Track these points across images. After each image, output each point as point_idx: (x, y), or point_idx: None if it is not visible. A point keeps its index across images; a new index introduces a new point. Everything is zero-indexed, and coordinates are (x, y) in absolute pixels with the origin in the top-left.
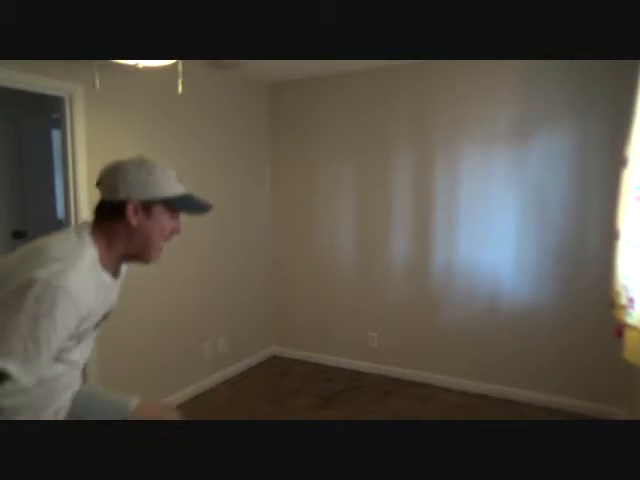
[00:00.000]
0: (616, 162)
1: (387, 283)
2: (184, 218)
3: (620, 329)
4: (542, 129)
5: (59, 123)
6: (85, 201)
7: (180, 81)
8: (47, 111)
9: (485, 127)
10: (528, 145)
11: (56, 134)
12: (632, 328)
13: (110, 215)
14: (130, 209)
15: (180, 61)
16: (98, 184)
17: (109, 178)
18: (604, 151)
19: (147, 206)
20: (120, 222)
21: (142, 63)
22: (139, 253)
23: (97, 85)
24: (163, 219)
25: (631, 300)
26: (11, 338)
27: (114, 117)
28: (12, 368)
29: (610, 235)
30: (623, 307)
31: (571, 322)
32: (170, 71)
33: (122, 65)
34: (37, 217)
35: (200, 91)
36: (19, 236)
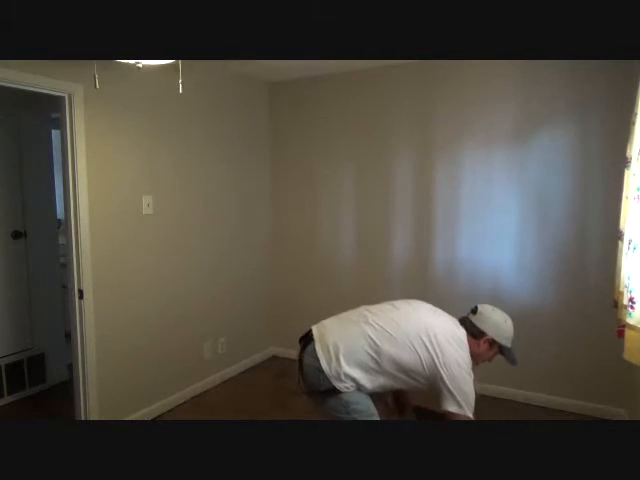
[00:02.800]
0: (617, 162)
1: (387, 283)
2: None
3: (621, 329)
4: (543, 129)
5: (59, 123)
6: (85, 201)
7: (180, 81)
8: (47, 111)
9: (486, 127)
10: (529, 145)
11: (56, 134)
12: (632, 328)
13: (472, 331)
14: (484, 340)
15: (180, 61)
16: (475, 312)
17: (487, 316)
18: (605, 151)
19: (492, 342)
20: (474, 338)
21: (142, 63)
22: (474, 357)
23: (97, 85)
24: (493, 352)
25: (631, 300)
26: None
27: (114, 117)
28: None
29: (611, 235)
30: (625, 307)
31: (572, 322)
32: (170, 71)
33: (122, 65)
34: (37, 217)
35: (200, 91)
36: (19, 236)
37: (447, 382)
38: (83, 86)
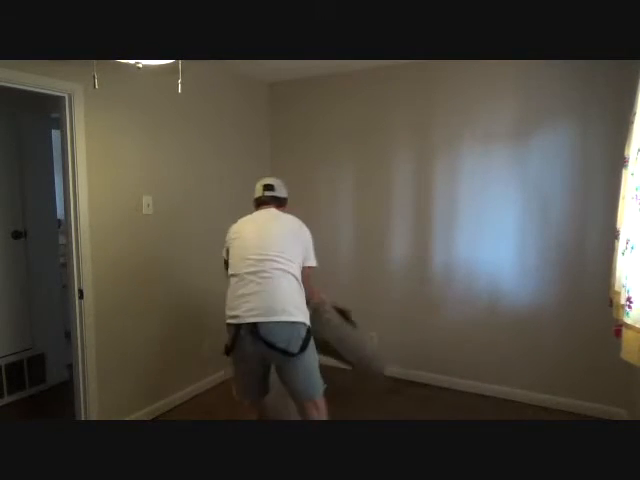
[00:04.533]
0: (616, 162)
1: (387, 283)
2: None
3: (619, 329)
4: (542, 128)
5: (59, 123)
6: (85, 201)
7: (179, 81)
8: (47, 111)
9: (485, 126)
10: (529, 145)
11: (56, 134)
12: (629, 327)
13: (282, 204)
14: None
15: (180, 61)
16: (271, 189)
17: (282, 187)
18: (604, 151)
19: None
20: (282, 207)
21: (142, 63)
22: None
23: (96, 85)
24: None
25: (629, 299)
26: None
27: (114, 117)
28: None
29: (611, 235)
30: (623, 307)
31: (571, 322)
32: (170, 71)
33: (122, 65)
34: (37, 217)
35: (200, 91)
36: (19, 236)
37: (309, 249)
38: (83, 86)
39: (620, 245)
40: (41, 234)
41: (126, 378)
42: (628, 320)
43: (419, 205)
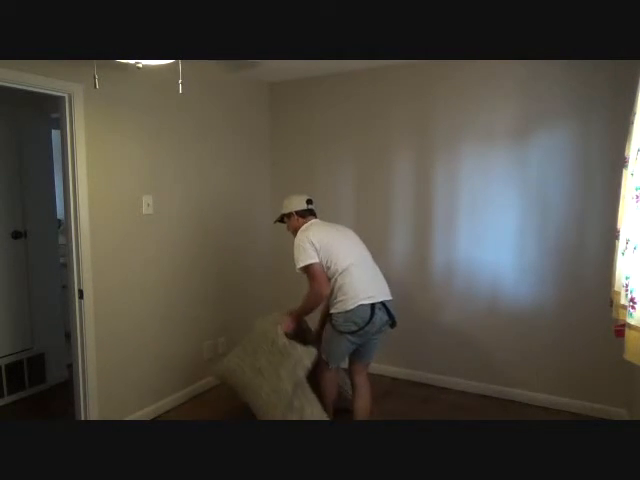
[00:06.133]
0: (616, 162)
1: (386, 282)
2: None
3: (620, 329)
4: (543, 128)
5: (59, 123)
6: (85, 201)
7: (180, 81)
8: (47, 111)
9: (485, 126)
10: (529, 144)
11: (56, 134)
12: (633, 328)
13: (316, 216)
14: None
15: (180, 61)
16: (312, 203)
17: None
18: (605, 150)
19: None
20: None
21: (142, 63)
22: None
23: (97, 85)
24: None
25: (632, 300)
26: None
27: (114, 117)
28: None
29: (611, 235)
30: (623, 307)
31: (571, 322)
32: (170, 70)
33: (122, 65)
34: (37, 217)
35: (200, 91)
36: (19, 236)
37: None
38: (83, 86)
39: (620, 245)
40: (41, 234)
41: (126, 378)
42: (632, 321)
43: (419, 205)
